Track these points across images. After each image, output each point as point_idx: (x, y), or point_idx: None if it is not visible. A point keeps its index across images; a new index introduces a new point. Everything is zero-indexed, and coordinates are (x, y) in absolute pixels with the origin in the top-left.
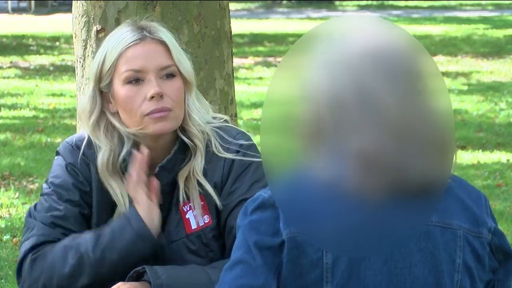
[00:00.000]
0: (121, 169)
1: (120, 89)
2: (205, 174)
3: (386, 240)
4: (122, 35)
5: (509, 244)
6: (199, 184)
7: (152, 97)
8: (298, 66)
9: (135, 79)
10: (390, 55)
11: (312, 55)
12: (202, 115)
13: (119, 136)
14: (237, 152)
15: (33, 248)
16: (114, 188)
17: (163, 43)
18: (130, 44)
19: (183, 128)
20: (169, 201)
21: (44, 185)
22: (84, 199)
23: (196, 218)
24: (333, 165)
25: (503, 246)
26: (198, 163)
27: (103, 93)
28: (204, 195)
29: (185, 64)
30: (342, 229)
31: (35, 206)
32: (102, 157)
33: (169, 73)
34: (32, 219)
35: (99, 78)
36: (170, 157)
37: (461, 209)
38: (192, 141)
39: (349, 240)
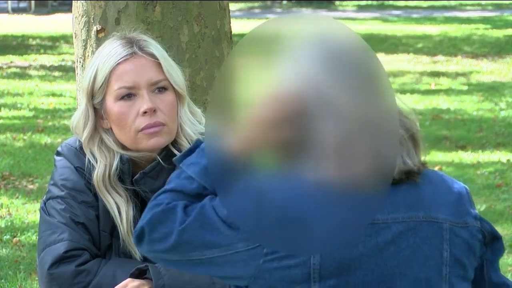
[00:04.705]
0: (116, 183)
1: (113, 106)
2: None
3: (375, 235)
4: (112, 51)
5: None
6: None
7: (145, 113)
8: (263, 68)
9: (127, 95)
10: (343, 56)
11: (272, 58)
12: (195, 126)
13: (114, 150)
14: None
15: (65, 253)
16: (110, 202)
17: (153, 57)
18: (121, 60)
19: (174, 140)
20: None
21: (54, 188)
22: (95, 201)
23: None
24: (312, 165)
25: (492, 230)
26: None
27: (96, 109)
28: None
29: (177, 77)
30: (331, 229)
31: (47, 207)
32: (97, 173)
33: (161, 87)
34: (51, 218)
35: (91, 95)
36: (154, 164)
37: (445, 203)
38: None
39: (337, 241)
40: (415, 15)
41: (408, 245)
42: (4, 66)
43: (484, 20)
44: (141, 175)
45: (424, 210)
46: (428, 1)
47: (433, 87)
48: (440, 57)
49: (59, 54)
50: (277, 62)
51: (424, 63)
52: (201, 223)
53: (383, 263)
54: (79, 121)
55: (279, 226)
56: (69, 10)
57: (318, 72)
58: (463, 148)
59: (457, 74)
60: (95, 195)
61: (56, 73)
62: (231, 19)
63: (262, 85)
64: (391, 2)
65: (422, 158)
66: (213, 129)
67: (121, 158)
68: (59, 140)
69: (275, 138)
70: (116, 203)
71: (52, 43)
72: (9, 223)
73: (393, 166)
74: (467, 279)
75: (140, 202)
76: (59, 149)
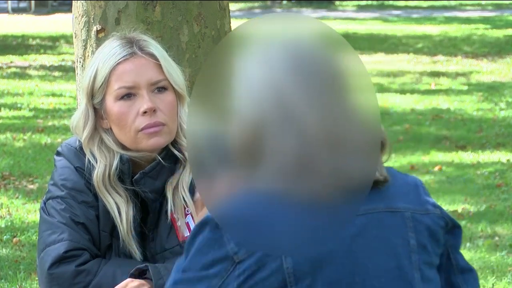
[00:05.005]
0: (115, 183)
1: (113, 106)
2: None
3: (342, 236)
4: (112, 51)
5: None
6: (184, 199)
7: (145, 112)
8: (224, 74)
9: (127, 94)
10: (306, 63)
11: (236, 63)
12: None
13: (114, 150)
14: None
15: (65, 253)
16: (110, 202)
17: (153, 57)
18: (120, 60)
19: (174, 140)
20: (158, 209)
21: (54, 188)
22: (95, 201)
23: (189, 225)
24: (271, 177)
25: (452, 218)
26: (186, 176)
27: (96, 109)
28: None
29: (176, 77)
30: (298, 234)
31: (46, 207)
32: (97, 173)
33: (161, 87)
34: (51, 218)
35: (91, 95)
36: (153, 164)
37: (403, 193)
38: (182, 154)
39: (307, 242)
40: (415, 15)
41: (374, 236)
42: (4, 66)
43: (484, 20)
44: (141, 175)
45: (383, 201)
46: (428, 1)
47: (433, 87)
48: (440, 57)
49: (59, 54)
50: (239, 67)
51: (424, 63)
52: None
53: (353, 256)
54: (79, 121)
55: (249, 230)
56: (69, 10)
57: (281, 81)
58: (463, 148)
59: (457, 74)
60: (95, 195)
61: (56, 73)
62: (231, 19)
63: (223, 91)
64: (391, 2)
65: (425, 158)
66: (191, 128)
67: (121, 158)
68: (59, 140)
69: (235, 147)
70: (116, 203)
71: (52, 43)
72: (9, 223)
73: (360, 181)
74: (433, 265)
75: (140, 202)
76: (59, 149)
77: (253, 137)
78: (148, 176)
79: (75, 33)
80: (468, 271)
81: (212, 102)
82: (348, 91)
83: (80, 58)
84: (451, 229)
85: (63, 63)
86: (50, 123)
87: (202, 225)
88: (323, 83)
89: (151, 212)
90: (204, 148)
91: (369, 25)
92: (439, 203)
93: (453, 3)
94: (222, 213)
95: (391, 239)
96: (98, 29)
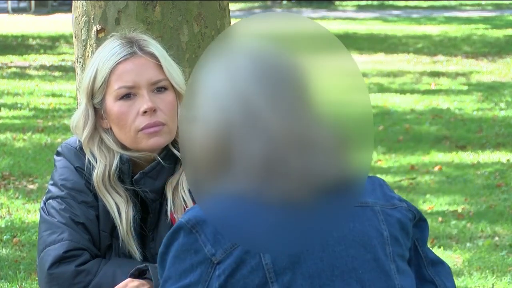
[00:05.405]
0: (115, 182)
1: (113, 106)
2: None
3: (317, 233)
4: (112, 51)
5: None
6: (184, 199)
7: (145, 112)
8: (202, 73)
9: (127, 94)
10: (269, 67)
11: (200, 79)
12: None
13: (114, 150)
14: None
15: (65, 253)
16: (110, 202)
17: (153, 57)
18: (120, 60)
19: (174, 140)
20: (158, 209)
21: (54, 188)
22: (95, 201)
23: None
24: (241, 178)
25: (419, 211)
26: (185, 177)
27: (96, 109)
28: None
29: (177, 77)
30: (273, 232)
31: (46, 207)
32: (97, 173)
33: (161, 87)
34: (51, 218)
35: (91, 94)
36: (153, 164)
37: (370, 190)
38: None
39: (281, 240)
40: (415, 15)
41: (350, 229)
42: (4, 66)
43: (484, 20)
44: (141, 175)
45: None
46: (428, 1)
47: (433, 87)
48: (440, 57)
49: (59, 54)
50: (205, 74)
51: (424, 63)
52: None
53: (331, 250)
54: (79, 121)
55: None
56: (69, 10)
57: (245, 87)
58: (463, 148)
59: (457, 74)
60: (95, 195)
61: (56, 73)
62: (231, 19)
63: (194, 96)
64: (391, 2)
65: (425, 158)
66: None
67: (121, 158)
68: (59, 140)
69: (203, 152)
70: (115, 203)
71: (52, 43)
72: (9, 223)
73: (327, 180)
74: (405, 258)
75: (140, 202)
76: (59, 149)
77: (219, 143)
78: (148, 176)
79: (75, 33)
80: (439, 264)
81: (186, 108)
82: (310, 92)
83: (80, 58)
84: (417, 222)
85: (63, 63)
86: (50, 123)
87: (175, 232)
88: (286, 86)
89: (151, 212)
90: (183, 153)
91: (369, 25)
92: (439, 203)
93: (453, 3)
94: (211, 214)
95: (366, 231)
96: (98, 29)
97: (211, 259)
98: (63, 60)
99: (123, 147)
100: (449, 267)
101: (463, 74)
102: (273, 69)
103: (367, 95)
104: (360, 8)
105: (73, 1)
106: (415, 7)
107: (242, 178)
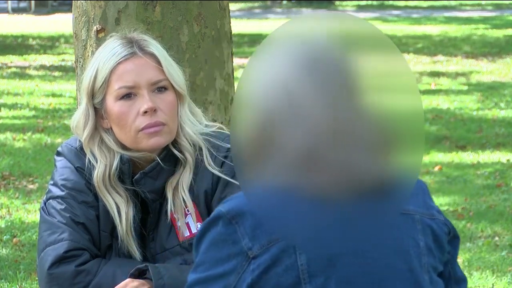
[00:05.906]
0: (116, 183)
1: (113, 106)
2: (194, 181)
3: (355, 235)
4: (112, 51)
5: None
6: (184, 200)
7: (145, 112)
8: (248, 70)
9: (127, 94)
10: (318, 59)
11: (255, 60)
12: (195, 126)
13: (114, 150)
14: (225, 157)
15: (65, 253)
16: (110, 202)
17: (153, 57)
18: (121, 59)
19: (174, 140)
20: (158, 209)
21: (54, 188)
22: (95, 201)
23: (189, 225)
24: (281, 167)
25: (452, 225)
26: (186, 176)
27: (96, 109)
28: (196, 203)
29: (177, 77)
30: (311, 229)
31: (47, 207)
32: (97, 173)
33: (161, 87)
34: (51, 218)
35: (91, 94)
36: (154, 164)
37: (412, 196)
38: (183, 154)
39: (320, 238)
40: (415, 15)
41: (387, 237)
42: (4, 66)
43: (484, 20)
44: (141, 175)
45: None
46: (428, 1)
47: (433, 87)
48: (440, 57)
49: (59, 54)
50: (256, 65)
51: (424, 63)
52: None
53: (367, 256)
54: (79, 121)
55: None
56: (69, 10)
57: (292, 71)
58: (463, 148)
59: (457, 74)
60: (95, 195)
61: (56, 73)
62: (231, 19)
63: (242, 87)
64: (391, 2)
65: (425, 158)
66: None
67: (121, 158)
68: (59, 140)
69: (247, 141)
70: (116, 203)
71: (52, 43)
72: (9, 223)
73: (367, 178)
74: (437, 271)
75: (140, 203)
76: (59, 149)
77: (262, 129)
78: (148, 176)
79: (75, 33)
80: (462, 281)
81: (236, 95)
82: (358, 87)
83: (80, 58)
84: (452, 238)
85: (63, 63)
86: (50, 123)
87: (214, 220)
88: (333, 77)
89: (151, 212)
90: (232, 140)
91: None
92: (439, 203)
93: (453, 3)
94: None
95: (404, 240)
96: (98, 29)
97: (247, 252)
98: (63, 60)
99: (124, 147)
100: (467, 283)
101: (463, 74)
102: (321, 60)
103: (419, 95)
104: (360, 8)
105: (73, 1)
106: (415, 7)
107: (282, 167)
